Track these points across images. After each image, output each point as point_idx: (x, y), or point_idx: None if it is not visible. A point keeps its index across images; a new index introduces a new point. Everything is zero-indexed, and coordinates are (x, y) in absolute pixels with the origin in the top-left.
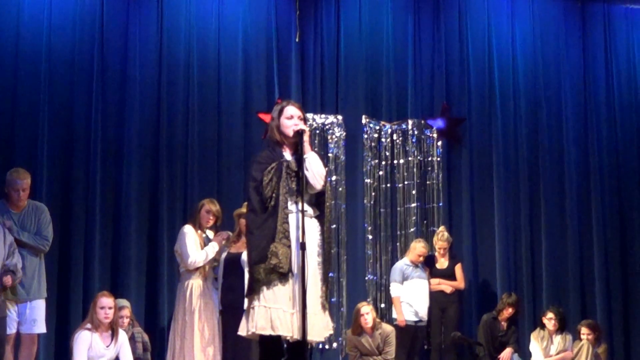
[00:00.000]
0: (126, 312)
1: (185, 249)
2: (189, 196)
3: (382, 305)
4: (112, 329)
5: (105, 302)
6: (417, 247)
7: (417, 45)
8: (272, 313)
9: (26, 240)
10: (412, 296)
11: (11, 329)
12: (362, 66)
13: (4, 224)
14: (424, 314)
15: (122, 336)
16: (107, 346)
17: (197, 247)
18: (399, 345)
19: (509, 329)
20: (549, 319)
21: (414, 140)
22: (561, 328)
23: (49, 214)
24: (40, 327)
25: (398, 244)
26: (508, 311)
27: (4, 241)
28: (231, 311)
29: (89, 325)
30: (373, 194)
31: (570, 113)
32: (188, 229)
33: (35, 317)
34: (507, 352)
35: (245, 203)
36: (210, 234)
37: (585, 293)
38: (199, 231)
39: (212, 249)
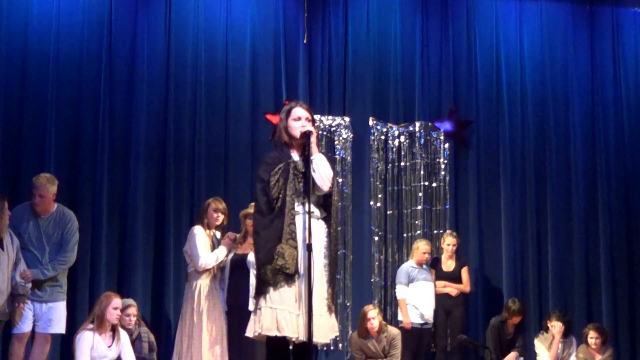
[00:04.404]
0: (133, 310)
1: (195, 250)
2: (196, 196)
3: (388, 308)
4: (113, 329)
5: (118, 303)
6: (420, 246)
7: (424, 48)
8: (278, 314)
9: (51, 275)
10: (417, 298)
11: (25, 328)
12: (370, 68)
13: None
14: (429, 316)
15: (124, 336)
16: (109, 346)
17: (207, 248)
18: (405, 347)
19: (516, 333)
20: (553, 326)
21: (421, 142)
22: (565, 333)
23: (76, 222)
24: (56, 328)
25: (404, 246)
26: (515, 319)
27: (12, 244)
28: (236, 312)
29: (90, 326)
30: (380, 196)
31: (577, 116)
32: (198, 230)
33: (51, 317)
34: (512, 355)
35: (252, 204)
36: (217, 234)
37: (591, 296)
38: (208, 231)
39: (222, 251)
